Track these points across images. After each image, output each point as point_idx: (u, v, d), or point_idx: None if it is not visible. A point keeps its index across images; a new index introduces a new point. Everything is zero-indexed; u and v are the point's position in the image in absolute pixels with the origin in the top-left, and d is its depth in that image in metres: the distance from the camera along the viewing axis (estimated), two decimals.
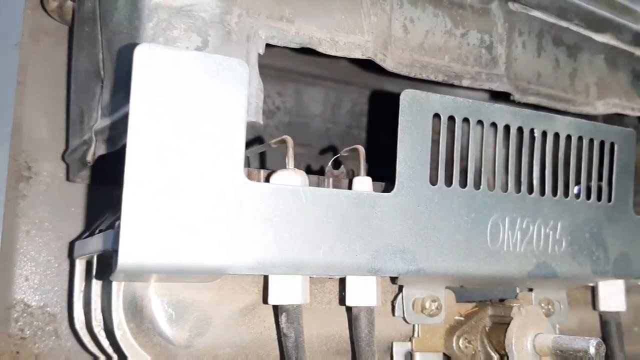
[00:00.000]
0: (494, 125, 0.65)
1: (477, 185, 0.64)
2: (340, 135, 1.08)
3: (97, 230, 0.68)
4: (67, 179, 0.82)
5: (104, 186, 0.80)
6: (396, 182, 0.60)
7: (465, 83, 0.72)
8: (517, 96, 0.76)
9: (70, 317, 0.75)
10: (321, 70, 1.04)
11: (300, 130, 1.05)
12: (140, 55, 0.50)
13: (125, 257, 0.48)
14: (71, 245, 0.79)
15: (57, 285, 0.82)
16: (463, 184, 0.64)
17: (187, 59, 0.51)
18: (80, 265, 0.72)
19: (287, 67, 1.02)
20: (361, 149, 0.64)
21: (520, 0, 0.76)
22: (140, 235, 0.49)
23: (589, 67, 0.85)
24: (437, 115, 0.62)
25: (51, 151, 0.84)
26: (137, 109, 0.49)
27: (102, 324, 0.65)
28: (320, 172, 0.72)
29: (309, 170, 0.97)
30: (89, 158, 0.68)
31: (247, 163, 0.94)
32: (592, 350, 0.59)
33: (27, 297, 0.81)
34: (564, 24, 0.82)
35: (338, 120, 1.08)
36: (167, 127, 0.50)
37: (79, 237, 0.79)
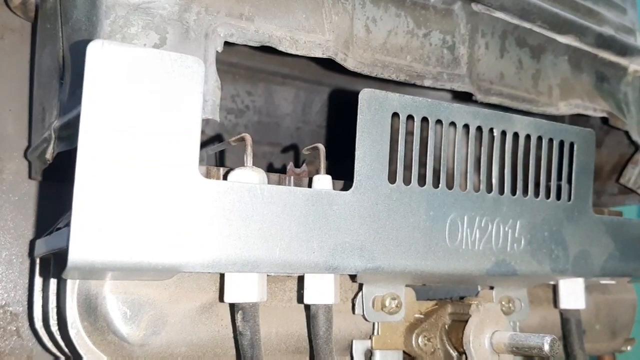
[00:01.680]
0: (453, 124, 0.66)
1: (435, 184, 0.65)
2: (310, 135, 1.09)
3: (56, 229, 0.68)
4: (29, 176, 0.81)
5: (65, 184, 0.79)
6: (354, 181, 0.60)
7: (427, 83, 0.73)
8: (479, 96, 0.77)
9: (30, 317, 0.74)
10: (291, 70, 1.04)
11: (271, 129, 1.05)
12: (93, 52, 0.49)
13: (76, 254, 0.48)
14: (32, 243, 0.79)
15: (19, 285, 0.81)
16: (422, 182, 0.64)
17: (141, 56, 0.51)
18: (40, 264, 0.72)
19: (257, 66, 1.02)
20: (321, 148, 0.64)
21: (483, 2, 0.77)
22: (90, 232, 0.48)
23: (552, 69, 0.86)
24: (396, 115, 0.63)
25: (15, 148, 0.83)
26: (88, 106, 0.49)
27: (58, 323, 0.64)
28: (284, 170, 0.72)
29: (281, 170, 0.97)
30: (48, 156, 0.67)
31: (216, 161, 0.94)
32: (546, 347, 0.60)
33: None
34: (527, 25, 0.83)
35: (309, 120, 1.08)
36: (120, 124, 0.50)
37: (40, 236, 0.78)
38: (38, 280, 0.72)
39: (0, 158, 0.83)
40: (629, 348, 0.93)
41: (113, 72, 0.50)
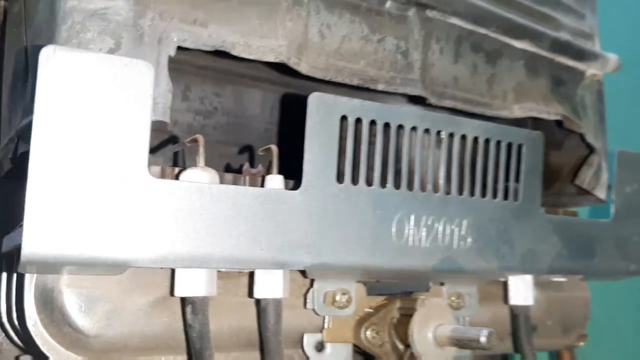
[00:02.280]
0: (401, 127, 0.69)
1: (383, 184, 0.68)
2: (279, 136, 1.11)
3: (19, 226, 0.70)
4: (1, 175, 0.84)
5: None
6: (303, 181, 0.63)
7: (380, 87, 0.76)
8: (432, 100, 0.80)
9: None
10: (260, 72, 1.06)
11: (240, 130, 1.08)
12: (45, 58, 0.52)
13: (28, 249, 0.51)
14: None
15: None
16: (370, 183, 0.67)
17: (92, 61, 0.54)
18: (5, 261, 0.74)
19: (225, 68, 1.04)
20: (274, 148, 0.67)
21: (437, 8, 0.80)
22: (42, 228, 0.51)
23: (508, 73, 0.89)
24: (345, 118, 0.66)
25: None
26: (41, 109, 0.52)
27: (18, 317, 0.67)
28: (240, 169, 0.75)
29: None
30: (11, 155, 0.70)
31: (184, 162, 0.96)
32: (482, 340, 0.63)
33: None
34: (482, 30, 0.86)
35: (277, 122, 1.11)
36: (71, 127, 0.52)
37: (8, 234, 0.81)
38: (4, 276, 0.75)
39: None
40: (581, 344, 0.97)
41: (64, 77, 0.53)
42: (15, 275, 0.68)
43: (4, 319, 0.75)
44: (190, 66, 0.99)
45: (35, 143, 0.52)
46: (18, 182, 0.84)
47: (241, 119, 1.07)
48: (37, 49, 0.62)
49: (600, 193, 0.95)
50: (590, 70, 1.00)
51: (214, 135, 1.05)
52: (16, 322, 0.68)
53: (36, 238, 0.51)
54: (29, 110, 0.67)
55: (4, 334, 0.83)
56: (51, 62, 0.52)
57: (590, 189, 0.97)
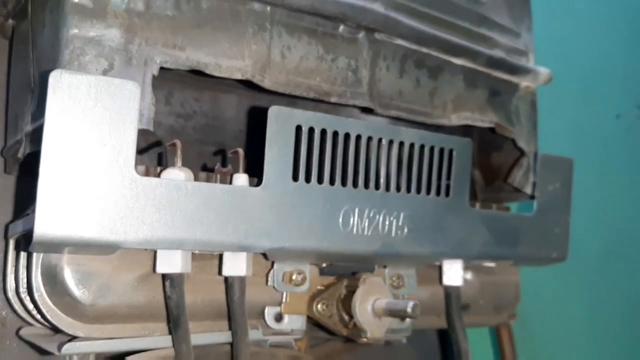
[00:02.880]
0: (347, 135, 0.83)
1: (332, 182, 0.81)
2: (248, 136, 1.24)
3: (26, 214, 0.83)
4: (5, 171, 0.96)
5: (34, 178, 0.94)
6: (263, 179, 0.77)
7: (333, 100, 0.89)
8: (379, 110, 0.94)
9: (4, 287, 0.89)
10: (234, 81, 1.19)
11: (216, 131, 1.21)
12: (54, 79, 0.65)
13: (39, 232, 0.63)
14: (6, 227, 0.94)
15: None
16: (321, 181, 0.81)
17: (91, 82, 0.66)
18: (11, 244, 0.87)
19: (204, 76, 1.17)
20: (240, 152, 0.80)
21: (384, 32, 0.94)
22: (50, 215, 0.64)
23: (448, 86, 1.03)
24: (300, 127, 0.79)
25: None
26: (50, 120, 0.65)
27: (27, 289, 0.80)
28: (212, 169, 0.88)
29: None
30: (20, 155, 0.82)
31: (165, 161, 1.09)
32: (409, 310, 0.77)
33: None
34: (425, 50, 0.99)
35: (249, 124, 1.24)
36: (74, 133, 0.65)
37: (12, 221, 0.93)
38: (10, 257, 0.87)
39: None
40: (511, 322, 1.11)
41: (69, 94, 0.65)
42: (22, 255, 0.81)
43: (10, 294, 0.88)
44: (172, 74, 1.12)
45: (45, 146, 0.64)
46: (24, 177, 0.97)
47: (217, 121, 1.20)
48: (46, 71, 0.75)
49: (528, 190, 1.10)
50: (524, 82, 1.14)
51: (193, 136, 1.17)
52: (22, 296, 0.81)
53: (45, 223, 0.64)
54: (35, 117, 0.80)
55: (8, 309, 0.96)
56: (59, 82, 0.65)
57: (520, 187, 1.11)
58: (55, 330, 0.75)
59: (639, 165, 2.22)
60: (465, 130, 1.19)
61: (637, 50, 2.34)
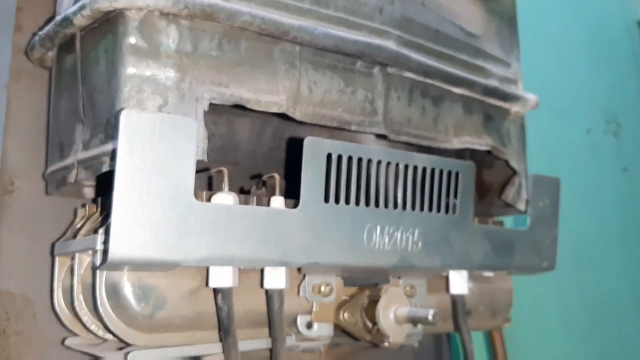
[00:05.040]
0: (370, 161, 0.93)
1: (357, 202, 0.91)
2: (263, 156, 1.33)
3: (77, 235, 0.91)
4: (46, 192, 1.03)
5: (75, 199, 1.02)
6: (300, 202, 0.86)
7: (353, 128, 0.99)
8: (392, 136, 1.04)
9: (52, 302, 0.97)
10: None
11: (231, 151, 1.30)
12: (124, 118, 0.73)
13: (113, 254, 0.72)
14: (52, 246, 1.01)
15: (34, 278, 1.03)
16: (348, 202, 0.90)
17: (156, 120, 0.75)
18: (60, 261, 0.95)
19: None
20: (277, 176, 0.89)
21: (395, 66, 1.04)
22: (123, 240, 0.72)
23: (449, 113, 1.14)
24: (330, 155, 0.89)
25: (29, 171, 1.05)
26: (122, 154, 0.73)
27: (83, 304, 0.87)
28: (247, 191, 0.97)
29: (240, 186, 1.21)
30: (72, 179, 0.90)
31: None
32: (430, 317, 0.87)
33: (10, 286, 1.02)
34: (429, 81, 1.10)
35: (262, 143, 1.33)
36: (142, 165, 0.74)
37: (56, 240, 1.01)
38: (57, 273, 0.95)
39: (18, 177, 1.04)
40: (506, 325, 1.23)
41: (138, 130, 0.74)
42: (75, 272, 0.89)
43: (57, 308, 0.95)
44: None
45: (118, 176, 0.73)
46: (63, 198, 1.04)
47: (233, 142, 1.29)
48: (102, 103, 0.84)
49: (521, 206, 1.21)
50: (514, 108, 1.26)
51: (211, 156, 1.25)
52: (77, 309, 0.89)
53: (118, 247, 0.72)
54: (88, 145, 0.88)
55: (48, 323, 1.03)
56: (129, 120, 0.74)
57: (512, 203, 1.22)
58: (120, 340, 0.83)
59: (607, 176, 2.39)
60: (458, 151, 1.31)
61: (603, 68, 2.52)
